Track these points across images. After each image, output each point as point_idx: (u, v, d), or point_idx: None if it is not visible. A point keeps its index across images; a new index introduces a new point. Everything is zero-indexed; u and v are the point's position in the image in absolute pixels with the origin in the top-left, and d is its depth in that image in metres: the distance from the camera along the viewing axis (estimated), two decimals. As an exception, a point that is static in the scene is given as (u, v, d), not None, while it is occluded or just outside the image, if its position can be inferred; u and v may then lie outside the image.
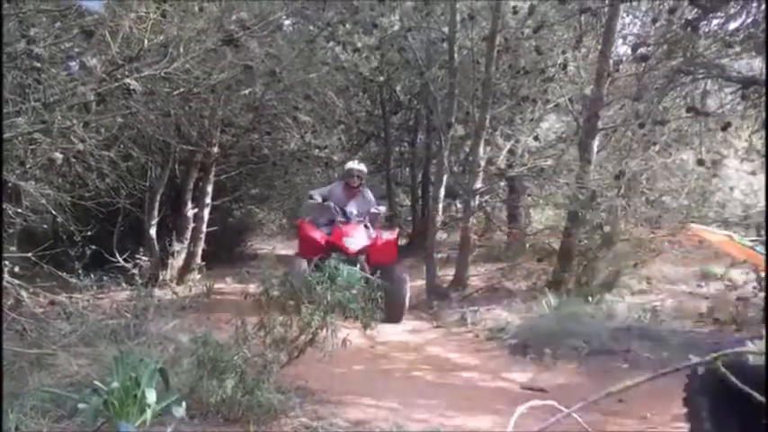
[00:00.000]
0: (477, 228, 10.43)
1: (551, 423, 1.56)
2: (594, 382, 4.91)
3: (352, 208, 8.07)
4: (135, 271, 7.06)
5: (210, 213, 9.76)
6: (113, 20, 4.10)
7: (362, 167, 8.40)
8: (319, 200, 8.06)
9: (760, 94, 5.76)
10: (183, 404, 3.17)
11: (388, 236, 8.09)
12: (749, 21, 5.61)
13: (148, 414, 3.11)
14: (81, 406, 3.12)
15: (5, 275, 4.74)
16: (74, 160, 5.46)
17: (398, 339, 6.64)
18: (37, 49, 3.84)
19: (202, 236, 9.57)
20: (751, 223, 7.94)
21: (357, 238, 7.67)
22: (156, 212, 9.14)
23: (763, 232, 6.13)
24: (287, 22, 8.18)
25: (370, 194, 8.46)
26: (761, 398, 2.04)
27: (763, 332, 4.08)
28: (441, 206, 9.12)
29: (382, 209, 8.80)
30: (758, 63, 5.77)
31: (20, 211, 5.19)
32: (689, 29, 5.67)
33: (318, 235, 7.75)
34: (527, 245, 10.23)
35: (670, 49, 6.14)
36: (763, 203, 9.02)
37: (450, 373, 5.49)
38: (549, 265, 8.56)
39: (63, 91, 4.03)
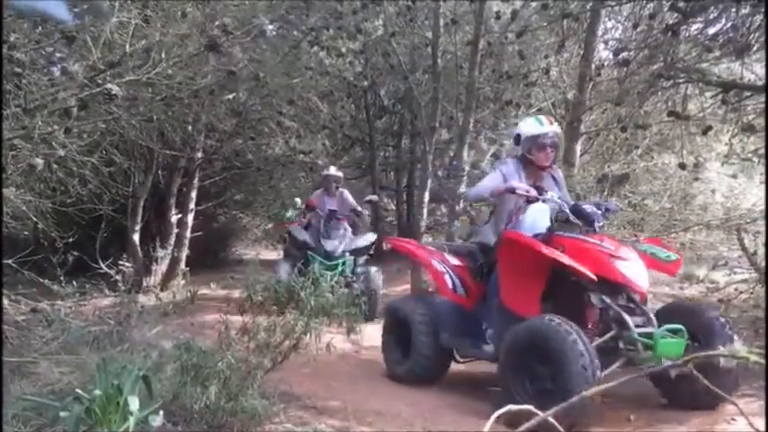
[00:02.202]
0: (461, 232, 10.46)
1: (527, 426, 1.57)
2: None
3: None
4: (118, 277, 7.03)
5: (195, 219, 9.76)
6: (95, 25, 4.08)
7: (558, 128, 4.75)
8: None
9: (740, 97, 5.84)
10: (161, 413, 3.14)
11: (665, 253, 4.36)
12: (728, 25, 5.68)
13: (131, 422, 3.07)
14: (62, 414, 3.08)
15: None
16: (55, 166, 5.43)
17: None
18: (17, 54, 3.81)
19: (186, 241, 9.56)
20: (732, 226, 8.02)
21: (639, 263, 4.11)
22: (139, 218, 9.12)
23: (743, 235, 6.18)
24: (270, 28, 8.18)
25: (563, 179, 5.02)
26: None
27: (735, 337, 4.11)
28: (425, 210, 9.14)
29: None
30: (737, 67, 5.84)
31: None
32: (669, 34, 5.73)
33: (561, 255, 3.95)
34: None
35: (651, 53, 6.20)
36: (744, 206, 9.14)
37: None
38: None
39: (44, 96, 4.01)
